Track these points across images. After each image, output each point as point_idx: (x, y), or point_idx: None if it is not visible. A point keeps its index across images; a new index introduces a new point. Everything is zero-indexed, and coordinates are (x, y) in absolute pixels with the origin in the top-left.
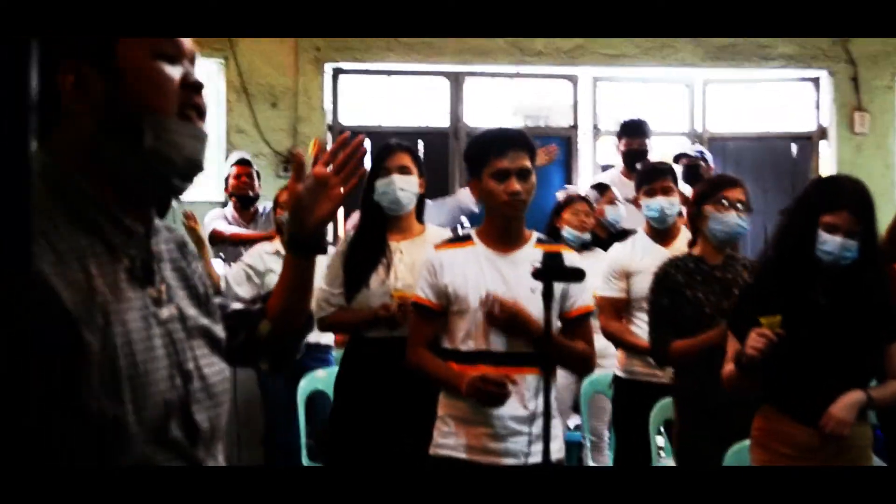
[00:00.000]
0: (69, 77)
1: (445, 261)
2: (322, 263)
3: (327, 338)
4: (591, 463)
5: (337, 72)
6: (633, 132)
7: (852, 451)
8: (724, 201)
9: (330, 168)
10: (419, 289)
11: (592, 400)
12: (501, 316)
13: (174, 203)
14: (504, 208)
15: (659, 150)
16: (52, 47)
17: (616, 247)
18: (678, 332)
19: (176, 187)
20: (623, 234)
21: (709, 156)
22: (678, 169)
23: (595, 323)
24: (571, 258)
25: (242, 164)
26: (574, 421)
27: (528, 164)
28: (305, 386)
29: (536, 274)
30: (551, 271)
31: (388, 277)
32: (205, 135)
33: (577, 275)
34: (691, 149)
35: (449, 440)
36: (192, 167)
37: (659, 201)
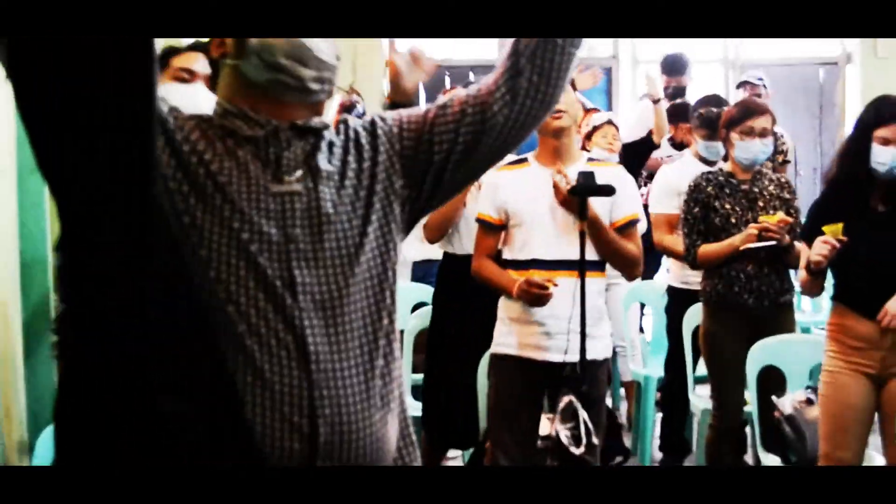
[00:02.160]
0: (213, 44)
1: (502, 181)
2: None
3: (436, 253)
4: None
5: None
6: (671, 71)
7: None
8: (748, 129)
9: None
10: (482, 206)
11: (630, 310)
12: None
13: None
14: (548, 126)
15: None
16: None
17: (665, 169)
18: (707, 238)
19: (291, 70)
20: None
21: (768, 81)
22: (741, 94)
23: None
24: (610, 174)
25: None
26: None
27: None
28: (415, 324)
29: (572, 191)
30: (585, 188)
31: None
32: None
33: (608, 191)
34: (752, 76)
35: (505, 339)
36: (297, 49)
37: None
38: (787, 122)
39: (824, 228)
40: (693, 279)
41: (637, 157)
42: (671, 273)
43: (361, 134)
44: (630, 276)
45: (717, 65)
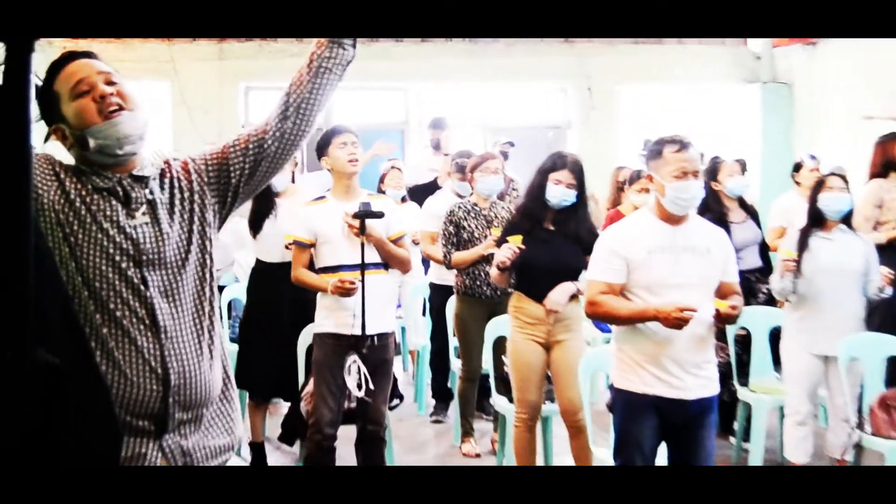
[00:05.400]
0: (57, 135)
1: (311, 213)
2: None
3: (247, 262)
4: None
5: (248, 89)
6: (436, 127)
7: (567, 320)
8: (485, 169)
9: None
10: (297, 231)
11: (413, 299)
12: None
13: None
14: (346, 167)
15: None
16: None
17: (430, 199)
18: (458, 248)
19: (119, 154)
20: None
21: (515, 141)
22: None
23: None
24: (381, 204)
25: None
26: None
27: (355, 140)
28: (226, 294)
29: (355, 215)
30: (363, 213)
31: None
32: (123, 119)
33: (378, 214)
34: (503, 140)
35: (324, 321)
36: (122, 139)
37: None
38: (527, 172)
39: (508, 238)
40: (448, 277)
41: (424, 194)
42: (432, 273)
43: (180, 173)
44: (403, 272)
45: (475, 128)
